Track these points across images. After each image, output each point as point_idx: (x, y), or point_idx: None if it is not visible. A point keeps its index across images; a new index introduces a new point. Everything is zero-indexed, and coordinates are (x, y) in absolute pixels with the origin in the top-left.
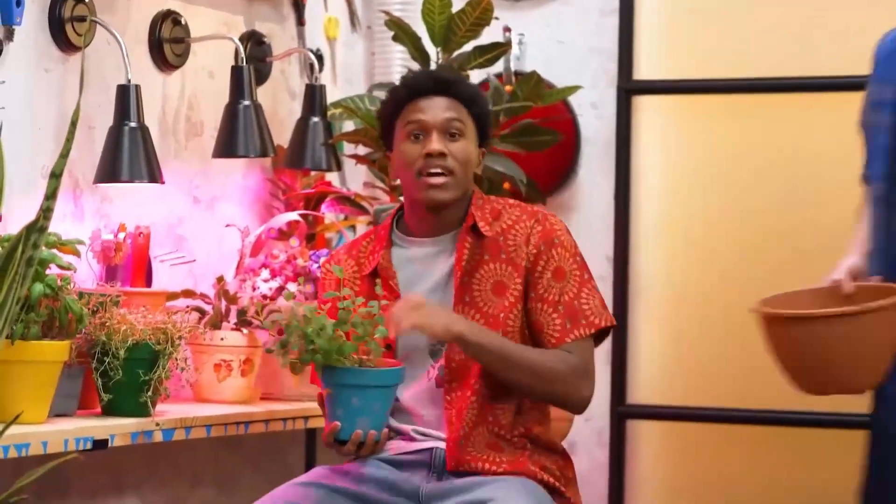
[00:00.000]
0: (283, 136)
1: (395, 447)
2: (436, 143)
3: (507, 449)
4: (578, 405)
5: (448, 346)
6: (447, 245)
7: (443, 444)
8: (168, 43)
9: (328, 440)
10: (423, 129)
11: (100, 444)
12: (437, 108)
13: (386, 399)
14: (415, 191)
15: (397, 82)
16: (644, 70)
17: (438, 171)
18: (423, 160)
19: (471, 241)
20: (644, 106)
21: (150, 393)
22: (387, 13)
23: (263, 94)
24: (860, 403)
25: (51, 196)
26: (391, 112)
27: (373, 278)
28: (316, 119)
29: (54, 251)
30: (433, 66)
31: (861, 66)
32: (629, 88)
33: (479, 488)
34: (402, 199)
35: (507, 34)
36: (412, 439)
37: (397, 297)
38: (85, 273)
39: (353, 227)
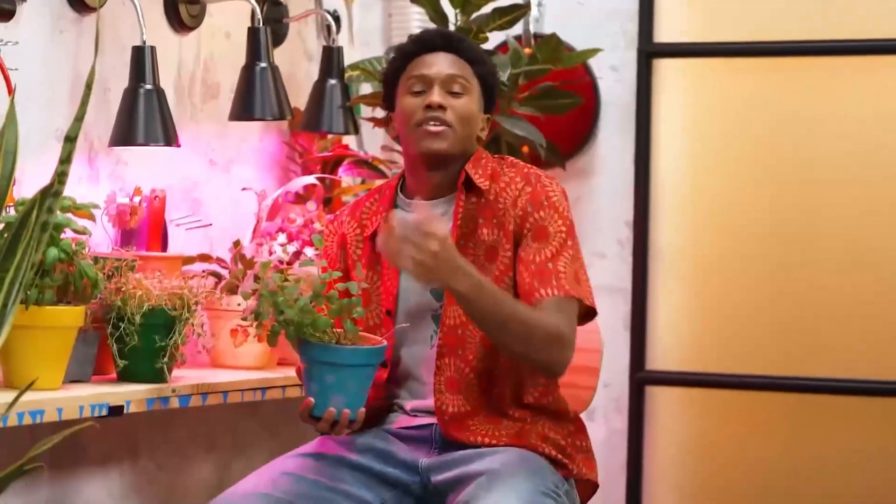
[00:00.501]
0: (300, 98)
1: (399, 421)
2: (436, 96)
3: (506, 422)
4: (551, 371)
5: (444, 312)
6: (446, 207)
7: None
8: (183, 3)
9: (303, 415)
10: (425, 83)
11: (115, 411)
12: (441, 64)
13: (362, 379)
14: (412, 143)
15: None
16: (665, 33)
17: (436, 122)
18: (423, 112)
19: (466, 200)
20: (665, 69)
21: (166, 359)
22: None
23: (280, 55)
24: (879, 370)
25: (66, 160)
26: (396, 69)
27: (374, 241)
28: (333, 81)
29: (69, 215)
30: (451, 28)
31: (887, 28)
32: (650, 51)
33: (477, 460)
34: None
35: None
36: (412, 416)
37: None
38: (100, 237)
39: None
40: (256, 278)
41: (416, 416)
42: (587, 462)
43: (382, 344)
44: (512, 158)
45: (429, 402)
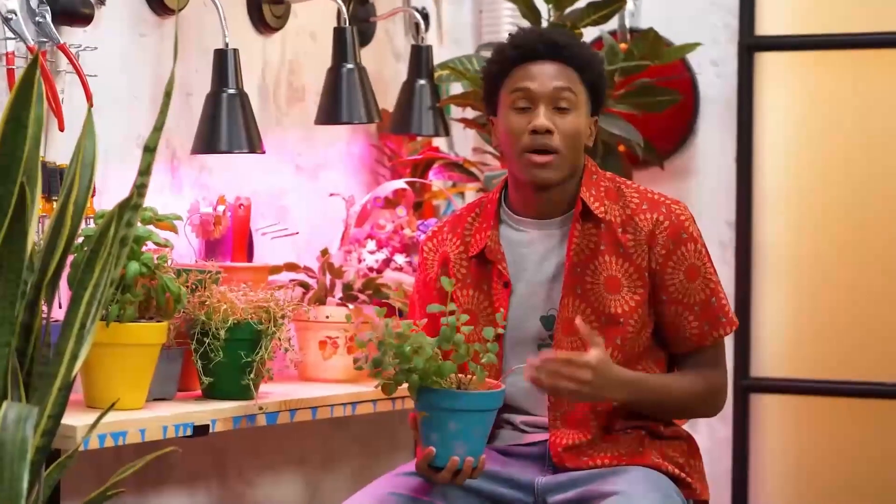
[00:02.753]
0: (388, 99)
1: (509, 438)
2: (543, 119)
3: (623, 438)
4: (713, 415)
5: (555, 345)
6: (557, 230)
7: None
8: (267, 4)
9: (421, 467)
10: (529, 99)
11: (200, 431)
12: (545, 76)
13: (486, 424)
14: (518, 169)
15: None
16: (767, 25)
17: (543, 148)
18: (529, 136)
19: (582, 228)
20: (767, 63)
21: (252, 375)
22: None
23: (367, 55)
24: None
25: (144, 172)
26: (496, 75)
27: (480, 260)
28: (422, 81)
29: (150, 227)
30: (544, 24)
31: None
32: (751, 45)
33: (599, 480)
34: None
35: None
36: (523, 431)
37: (506, 283)
38: (183, 248)
39: (461, 195)
40: (347, 288)
41: (526, 431)
42: (702, 482)
43: (502, 387)
44: (626, 180)
45: (541, 419)
